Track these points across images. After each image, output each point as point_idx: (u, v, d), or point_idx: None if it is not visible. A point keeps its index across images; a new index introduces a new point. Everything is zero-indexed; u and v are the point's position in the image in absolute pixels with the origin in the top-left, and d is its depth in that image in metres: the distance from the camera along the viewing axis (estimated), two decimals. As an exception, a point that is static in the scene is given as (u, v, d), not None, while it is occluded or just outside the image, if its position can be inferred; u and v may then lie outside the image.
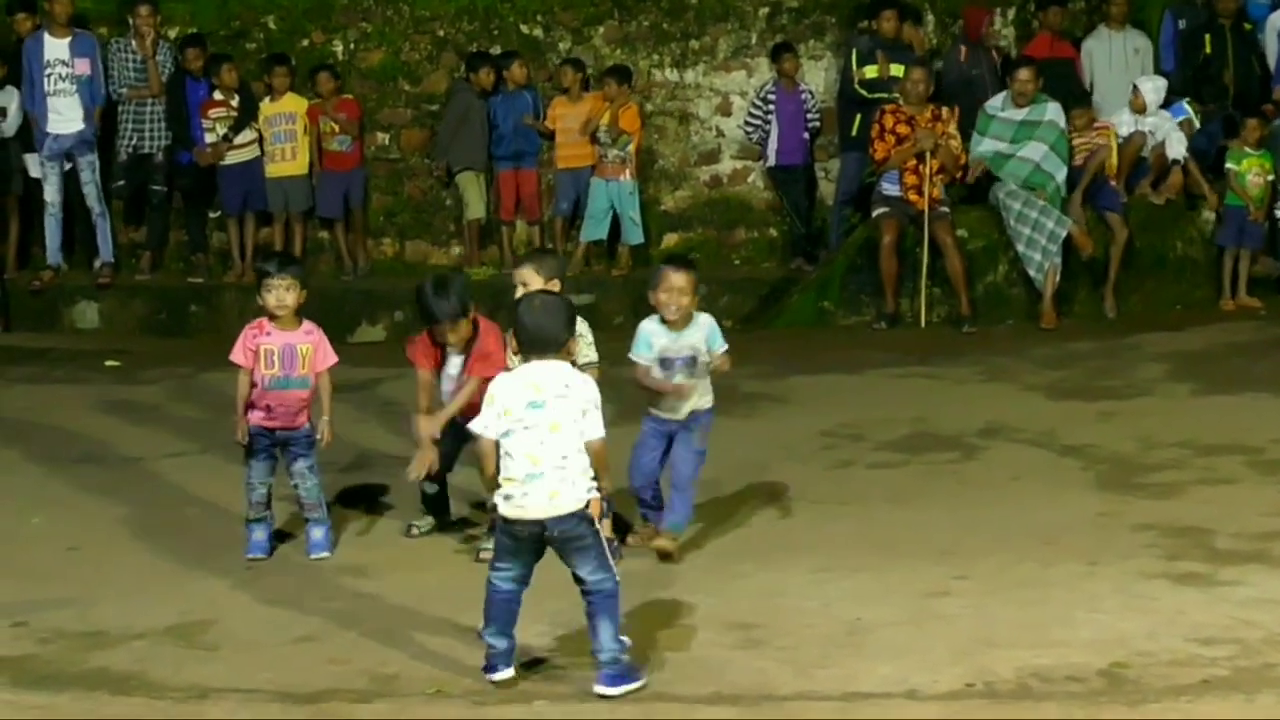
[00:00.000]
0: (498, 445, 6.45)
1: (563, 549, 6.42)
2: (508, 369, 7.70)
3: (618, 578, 6.43)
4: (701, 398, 8.02)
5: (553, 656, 6.73)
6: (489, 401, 6.51)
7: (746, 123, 15.17)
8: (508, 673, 6.46)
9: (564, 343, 6.54)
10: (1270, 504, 8.62)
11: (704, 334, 7.96)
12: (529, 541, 6.43)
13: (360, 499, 9.23)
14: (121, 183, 15.00)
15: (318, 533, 8.34)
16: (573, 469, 6.37)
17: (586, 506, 6.39)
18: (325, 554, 8.29)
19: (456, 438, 8.16)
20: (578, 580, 6.42)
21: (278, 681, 6.54)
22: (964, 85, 14.77)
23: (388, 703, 6.32)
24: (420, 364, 8.31)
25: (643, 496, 8.19)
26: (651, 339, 7.93)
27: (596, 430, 6.43)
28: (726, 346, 8.04)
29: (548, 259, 8.32)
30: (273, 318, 8.16)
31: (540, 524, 6.37)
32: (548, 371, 6.45)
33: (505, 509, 6.43)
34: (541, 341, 6.48)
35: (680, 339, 7.91)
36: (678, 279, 7.89)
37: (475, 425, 6.57)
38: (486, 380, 7.80)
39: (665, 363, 7.92)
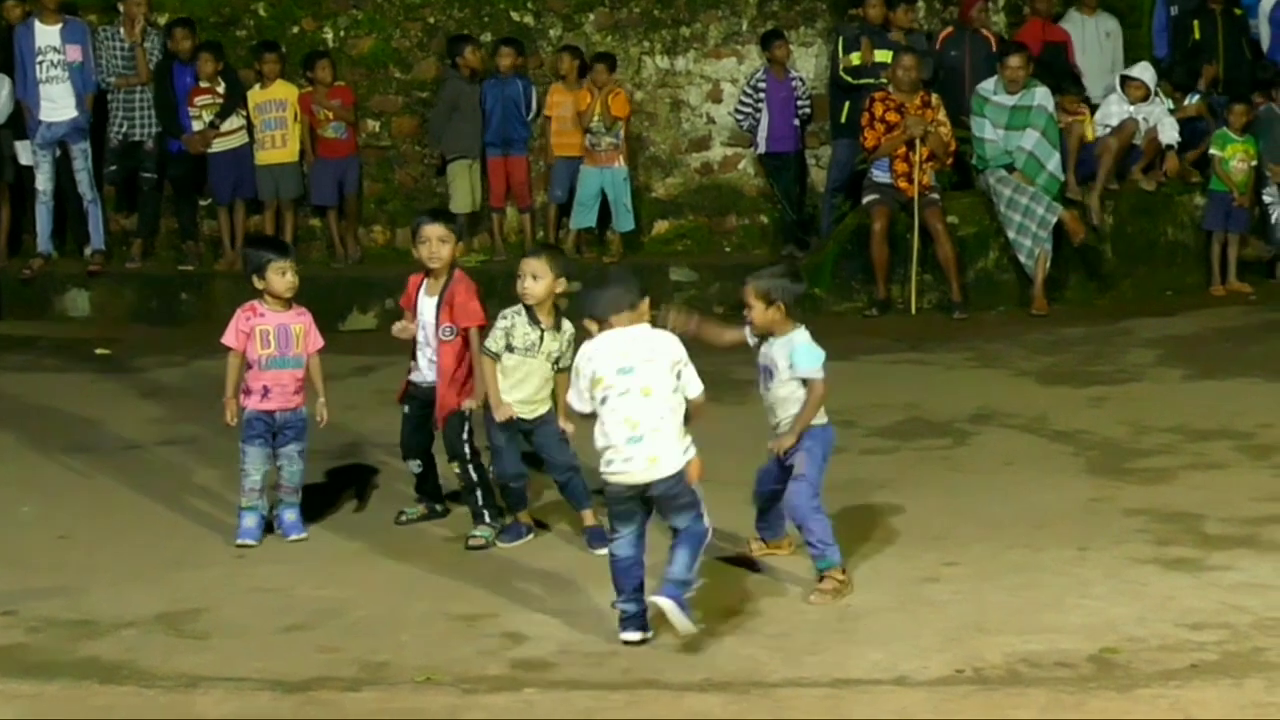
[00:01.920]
0: None
1: (662, 507, 6.66)
2: (485, 324, 8.04)
3: (709, 525, 6.70)
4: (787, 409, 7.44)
5: (545, 646, 6.73)
6: (575, 374, 6.78)
7: (737, 110, 15.14)
8: (635, 635, 6.67)
9: (635, 303, 6.77)
10: (1260, 489, 8.64)
11: (788, 350, 7.39)
12: (634, 503, 6.65)
13: (351, 486, 9.23)
14: (113, 168, 14.97)
15: (290, 515, 8.40)
16: (669, 431, 6.59)
17: (686, 468, 6.62)
18: (304, 535, 8.35)
19: (427, 411, 8.27)
20: (672, 528, 6.72)
21: (267, 670, 6.54)
22: (942, 69, 14.75)
23: (377, 691, 6.32)
24: (403, 304, 8.55)
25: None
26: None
27: (696, 387, 6.73)
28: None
29: (560, 256, 8.35)
30: (275, 298, 8.32)
31: (644, 486, 6.59)
32: (631, 336, 6.69)
33: (607, 474, 6.63)
34: (615, 304, 6.72)
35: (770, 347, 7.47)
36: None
37: (572, 402, 6.81)
38: (479, 328, 8.08)
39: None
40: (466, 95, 14.87)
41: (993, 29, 15.18)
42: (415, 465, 8.54)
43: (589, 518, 8.08)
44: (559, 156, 15.02)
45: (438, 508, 8.58)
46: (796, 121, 14.95)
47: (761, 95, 14.85)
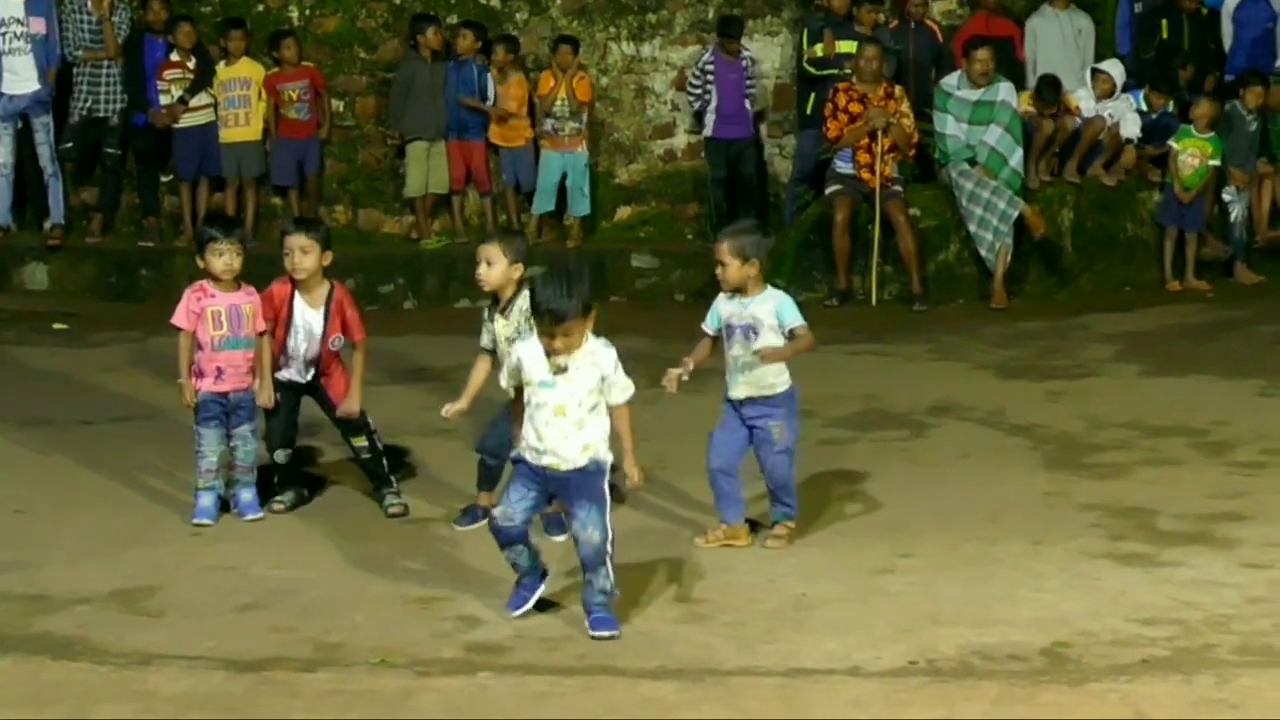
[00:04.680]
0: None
1: None
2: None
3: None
4: (761, 381, 7.76)
5: (500, 630, 6.74)
6: None
7: (688, 91, 15.12)
8: None
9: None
10: (1213, 486, 8.69)
11: (773, 306, 7.72)
12: None
13: (306, 466, 9.20)
14: (69, 144, 14.87)
15: (247, 494, 8.39)
16: None
17: None
18: (260, 514, 8.34)
19: (296, 402, 8.52)
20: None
21: (221, 649, 6.52)
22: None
23: (331, 672, 6.31)
24: (268, 315, 8.37)
25: (717, 483, 7.88)
26: (718, 308, 7.81)
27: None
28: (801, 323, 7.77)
29: (516, 240, 8.16)
30: (216, 280, 8.25)
31: None
32: None
33: None
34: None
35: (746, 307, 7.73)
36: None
37: None
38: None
39: (728, 330, 7.77)
40: (423, 76, 14.82)
41: (935, 19, 15.19)
42: (283, 455, 8.56)
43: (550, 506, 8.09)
44: (497, 143, 14.99)
45: (304, 493, 8.63)
46: (748, 104, 14.92)
47: (710, 78, 14.82)
